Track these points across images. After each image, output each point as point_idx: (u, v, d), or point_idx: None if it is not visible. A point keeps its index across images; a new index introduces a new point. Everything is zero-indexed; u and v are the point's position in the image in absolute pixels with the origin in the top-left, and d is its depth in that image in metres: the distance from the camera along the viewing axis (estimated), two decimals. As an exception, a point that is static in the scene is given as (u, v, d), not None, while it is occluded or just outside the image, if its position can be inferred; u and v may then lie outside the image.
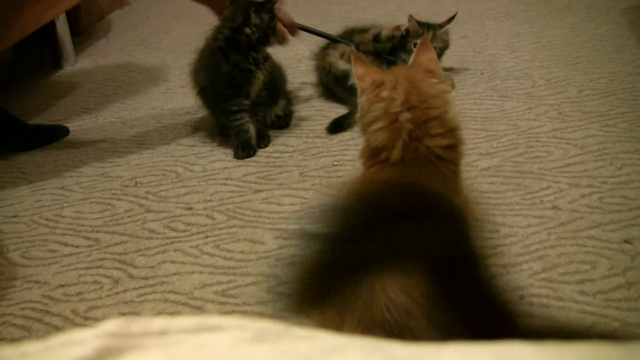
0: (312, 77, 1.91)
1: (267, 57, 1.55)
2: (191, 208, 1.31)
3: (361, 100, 0.90)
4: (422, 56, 0.93)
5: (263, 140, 1.55)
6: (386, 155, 0.86)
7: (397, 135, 0.85)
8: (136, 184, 1.43)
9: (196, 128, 1.68)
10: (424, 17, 2.46)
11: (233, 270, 1.11)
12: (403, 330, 0.79)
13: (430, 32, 1.76)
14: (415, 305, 0.79)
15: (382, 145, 0.86)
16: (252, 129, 1.52)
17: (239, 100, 1.51)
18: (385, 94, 0.87)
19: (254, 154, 1.50)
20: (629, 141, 1.42)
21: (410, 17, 1.78)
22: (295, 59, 2.06)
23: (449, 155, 0.86)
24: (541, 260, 1.07)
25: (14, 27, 1.39)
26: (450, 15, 1.81)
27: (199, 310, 1.03)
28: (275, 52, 1.78)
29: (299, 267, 0.46)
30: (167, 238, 1.21)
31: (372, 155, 0.88)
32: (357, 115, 0.93)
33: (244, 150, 1.50)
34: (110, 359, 0.28)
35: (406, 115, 0.85)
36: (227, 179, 1.41)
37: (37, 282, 1.12)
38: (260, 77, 1.52)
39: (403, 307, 0.79)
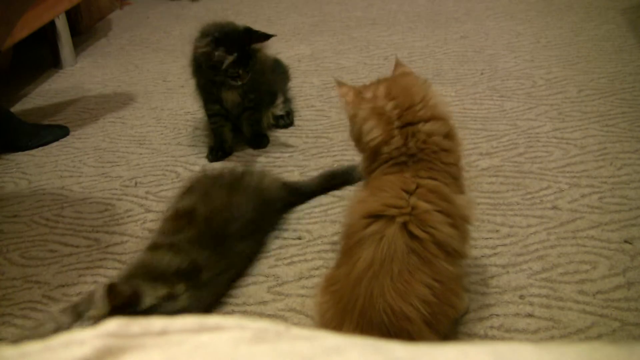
0: (312, 77, 1.91)
1: (243, 76, 1.43)
2: (191, 208, 1.31)
3: (349, 112, 0.92)
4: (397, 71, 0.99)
5: (262, 141, 1.55)
6: (387, 150, 0.86)
7: (390, 125, 0.87)
8: (136, 184, 1.43)
9: (196, 128, 1.68)
10: (424, 17, 2.46)
11: (233, 270, 1.11)
12: (400, 333, 0.79)
13: None
14: (413, 310, 0.79)
15: (380, 140, 0.87)
16: (225, 134, 1.53)
17: (210, 106, 1.53)
18: (368, 95, 0.90)
19: (222, 158, 1.51)
20: (629, 141, 1.42)
21: None
22: (295, 59, 2.06)
23: (448, 145, 0.88)
24: (541, 260, 1.07)
25: (15, 28, 1.39)
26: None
27: (199, 310, 1.03)
28: (276, 51, 1.79)
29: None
30: (167, 238, 1.21)
31: (374, 156, 0.89)
32: (349, 131, 0.94)
33: (212, 153, 1.51)
34: (110, 359, 0.28)
35: (391, 105, 0.88)
36: (227, 179, 1.41)
37: (37, 282, 1.12)
38: (229, 96, 1.50)
39: (401, 312, 0.79)
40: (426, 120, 0.87)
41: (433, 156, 0.86)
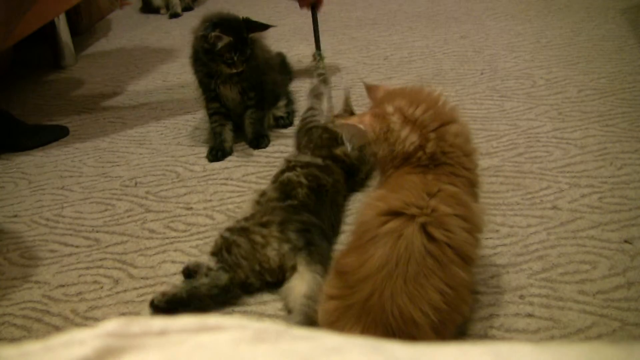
0: (312, 77, 1.91)
1: (241, 73, 1.46)
2: (191, 208, 1.31)
3: (374, 134, 0.89)
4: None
5: (262, 141, 1.55)
6: (422, 154, 0.85)
7: (425, 129, 0.86)
8: (136, 184, 1.43)
9: (196, 128, 1.68)
10: (424, 17, 2.46)
11: (233, 270, 1.11)
12: (405, 338, 0.78)
13: None
14: (422, 316, 0.78)
15: (417, 145, 0.85)
16: (226, 133, 1.53)
17: (210, 104, 1.53)
18: (389, 109, 0.88)
19: (222, 158, 1.50)
20: (629, 141, 1.42)
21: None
22: (295, 59, 2.06)
23: (469, 149, 0.88)
24: (541, 260, 1.07)
25: (17, 27, 1.39)
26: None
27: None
28: (277, 51, 1.78)
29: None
30: (167, 238, 1.21)
31: (403, 161, 0.87)
32: (376, 152, 0.91)
33: (212, 153, 1.51)
34: (110, 359, 0.28)
35: (420, 109, 0.86)
36: (227, 179, 1.41)
37: (37, 282, 1.12)
38: (228, 93, 1.50)
39: (410, 317, 0.78)
40: (450, 122, 0.87)
41: (456, 160, 0.85)
